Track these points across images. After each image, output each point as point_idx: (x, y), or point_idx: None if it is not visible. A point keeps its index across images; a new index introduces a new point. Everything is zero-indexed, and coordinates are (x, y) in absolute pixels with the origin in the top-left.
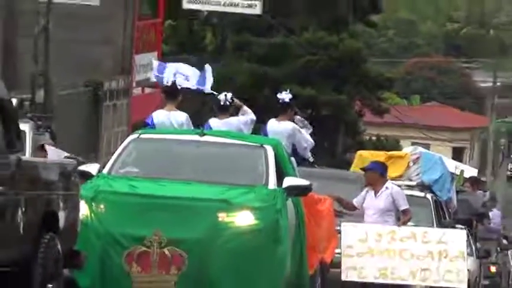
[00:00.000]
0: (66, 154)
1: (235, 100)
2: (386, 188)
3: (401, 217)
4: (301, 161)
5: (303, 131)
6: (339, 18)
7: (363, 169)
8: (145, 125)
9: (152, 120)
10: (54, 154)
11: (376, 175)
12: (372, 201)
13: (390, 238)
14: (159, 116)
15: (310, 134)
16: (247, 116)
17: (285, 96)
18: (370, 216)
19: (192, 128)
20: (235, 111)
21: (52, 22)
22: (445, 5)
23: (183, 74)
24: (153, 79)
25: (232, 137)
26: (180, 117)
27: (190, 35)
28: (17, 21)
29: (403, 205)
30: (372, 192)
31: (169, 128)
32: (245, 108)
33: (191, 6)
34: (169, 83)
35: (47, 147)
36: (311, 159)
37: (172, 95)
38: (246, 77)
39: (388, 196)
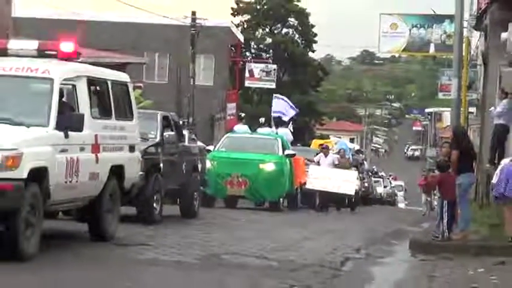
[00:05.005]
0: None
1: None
2: (331, 155)
3: (333, 166)
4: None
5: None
6: (304, 89)
7: (321, 148)
8: (232, 131)
9: (233, 129)
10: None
11: (327, 150)
12: (324, 161)
13: (327, 173)
14: (236, 127)
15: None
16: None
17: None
18: (324, 166)
19: (250, 131)
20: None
21: (196, 92)
22: (347, 84)
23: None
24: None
25: (264, 134)
26: (244, 128)
27: (248, 95)
28: (181, 90)
29: (336, 162)
30: (324, 156)
31: (240, 132)
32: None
33: (248, 84)
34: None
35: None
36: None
37: (241, 120)
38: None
39: (331, 159)
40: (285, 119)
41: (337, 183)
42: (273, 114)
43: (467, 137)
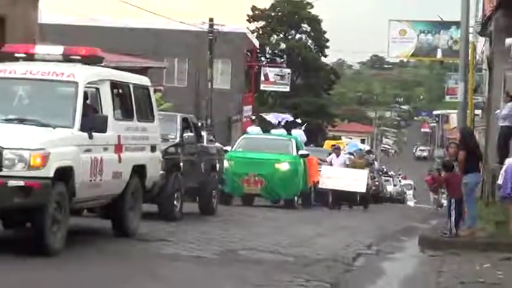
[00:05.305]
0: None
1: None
2: (343, 155)
3: (345, 166)
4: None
5: (302, 134)
6: (317, 92)
7: (333, 148)
8: (246, 132)
9: (247, 131)
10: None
11: (339, 151)
12: (336, 161)
13: (339, 172)
14: (249, 129)
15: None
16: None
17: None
18: (336, 166)
19: (262, 132)
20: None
21: (213, 96)
22: (358, 88)
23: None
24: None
25: (278, 135)
26: (256, 129)
27: (263, 98)
28: (199, 93)
29: (347, 162)
30: (336, 157)
31: (254, 133)
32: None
33: (263, 88)
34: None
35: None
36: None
37: (253, 122)
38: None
39: (343, 159)
40: (290, 119)
41: (348, 181)
42: (279, 122)
43: (474, 138)
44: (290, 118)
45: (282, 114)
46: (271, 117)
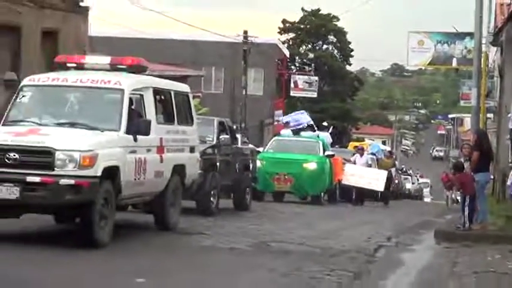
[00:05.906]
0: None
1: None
2: (366, 156)
3: (368, 165)
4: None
5: (328, 136)
6: (342, 98)
7: (357, 149)
8: (278, 135)
9: (280, 133)
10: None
11: (362, 151)
12: (359, 160)
13: (361, 171)
14: (282, 132)
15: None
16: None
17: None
18: (359, 165)
19: (293, 135)
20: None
21: (247, 101)
22: (380, 93)
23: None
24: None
25: (306, 137)
26: (288, 132)
27: (293, 104)
28: (234, 99)
29: (370, 161)
30: (359, 156)
31: (284, 136)
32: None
33: (293, 94)
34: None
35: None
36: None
37: (284, 124)
38: (314, 116)
39: (366, 159)
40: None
41: (369, 180)
42: (303, 124)
43: (488, 140)
44: (306, 123)
45: (302, 117)
46: (301, 117)
